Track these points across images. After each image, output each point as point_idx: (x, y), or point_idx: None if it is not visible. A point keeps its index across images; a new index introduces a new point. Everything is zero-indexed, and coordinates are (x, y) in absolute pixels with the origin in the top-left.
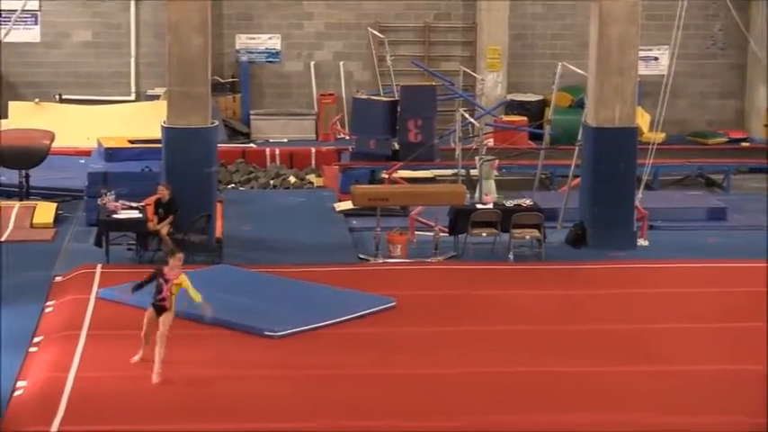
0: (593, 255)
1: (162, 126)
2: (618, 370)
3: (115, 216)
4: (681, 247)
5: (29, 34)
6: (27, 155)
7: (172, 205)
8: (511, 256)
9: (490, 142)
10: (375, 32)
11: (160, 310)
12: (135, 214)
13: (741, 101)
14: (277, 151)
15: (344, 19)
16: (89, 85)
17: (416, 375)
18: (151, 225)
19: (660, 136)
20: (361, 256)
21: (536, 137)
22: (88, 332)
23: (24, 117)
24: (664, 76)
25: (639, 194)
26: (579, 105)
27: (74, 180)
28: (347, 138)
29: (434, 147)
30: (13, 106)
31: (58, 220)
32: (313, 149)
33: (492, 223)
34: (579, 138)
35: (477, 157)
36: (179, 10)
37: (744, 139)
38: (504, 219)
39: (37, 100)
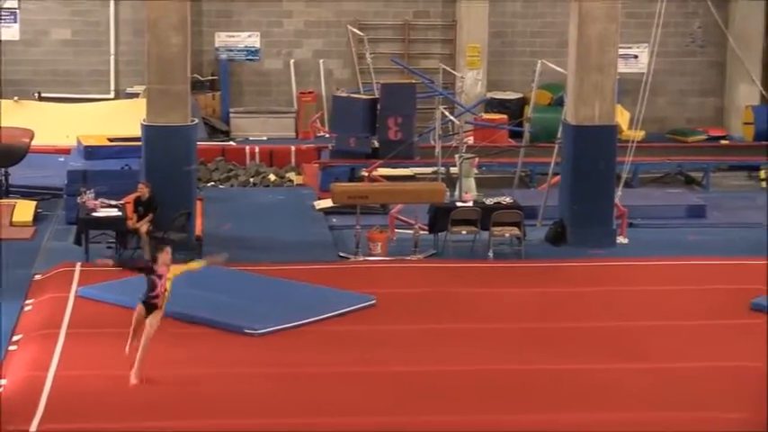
0: (572, 252)
1: (141, 124)
2: (600, 367)
3: (95, 214)
4: (660, 245)
5: (8, 32)
6: (6, 153)
7: (151, 203)
8: (491, 254)
9: (470, 140)
10: (355, 30)
11: (150, 308)
12: (114, 212)
13: (720, 98)
14: (257, 149)
15: (324, 17)
16: (68, 83)
17: (396, 373)
18: (131, 223)
19: (640, 134)
20: (341, 254)
21: (516, 135)
22: (68, 330)
23: (3, 115)
24: (643, 73)
25: (619, 192)
26: (559, 103)
27: (53, 178)
28: (327, 135)
29: (414, 145)
30: None
31: (37, 218)
32: (293, 147)
33: (472, 221)
34: (559, 135)
35: (456, 155)
36: (158, 8)
37: (723, 137)
38: (484, 217)
39: (16, 98)
